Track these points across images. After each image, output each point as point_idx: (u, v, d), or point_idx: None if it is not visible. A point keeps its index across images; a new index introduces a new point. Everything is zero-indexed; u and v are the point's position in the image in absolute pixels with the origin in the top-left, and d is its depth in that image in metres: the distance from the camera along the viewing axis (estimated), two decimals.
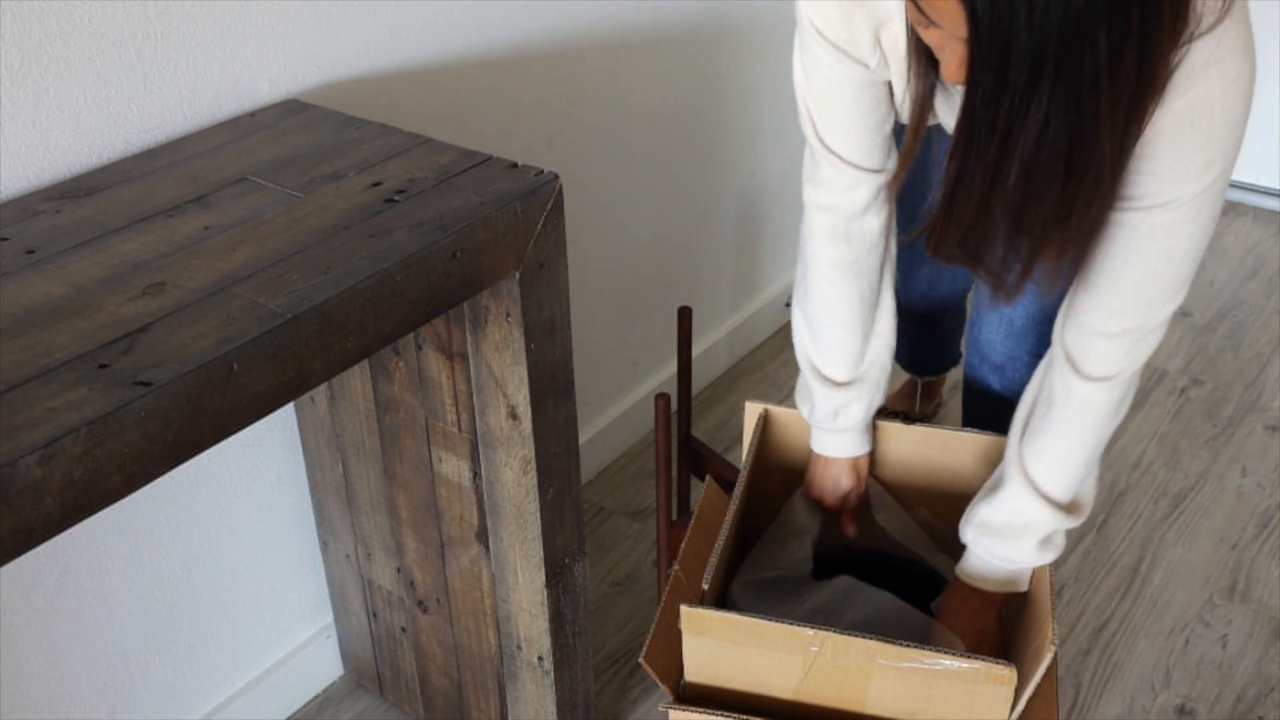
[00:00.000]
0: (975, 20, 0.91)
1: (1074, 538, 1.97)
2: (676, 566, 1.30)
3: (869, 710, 1.20)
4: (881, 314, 1.38)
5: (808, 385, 1.42)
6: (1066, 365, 1.21)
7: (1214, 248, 2.79)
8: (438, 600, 1.52)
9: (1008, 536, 1.28)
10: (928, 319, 1.94)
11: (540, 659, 1.44)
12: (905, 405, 2.23)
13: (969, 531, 1.32)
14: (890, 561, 1.45)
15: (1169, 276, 1.13)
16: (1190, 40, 0.99)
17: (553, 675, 1.44)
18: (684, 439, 1.68)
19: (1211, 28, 0.99)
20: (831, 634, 1.16)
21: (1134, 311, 1.15)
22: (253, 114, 1.34)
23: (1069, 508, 1.27)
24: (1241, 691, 1.71)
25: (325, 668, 1.73)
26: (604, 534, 2.02)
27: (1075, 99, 0.92)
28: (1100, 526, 2.00)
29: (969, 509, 1.33)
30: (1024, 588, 1.32)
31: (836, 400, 1.39)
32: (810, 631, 1.16)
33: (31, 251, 1.06)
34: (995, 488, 1.31)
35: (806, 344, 1.40)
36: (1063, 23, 0.88)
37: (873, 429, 1.45)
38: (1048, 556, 1.28)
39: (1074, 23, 0.88)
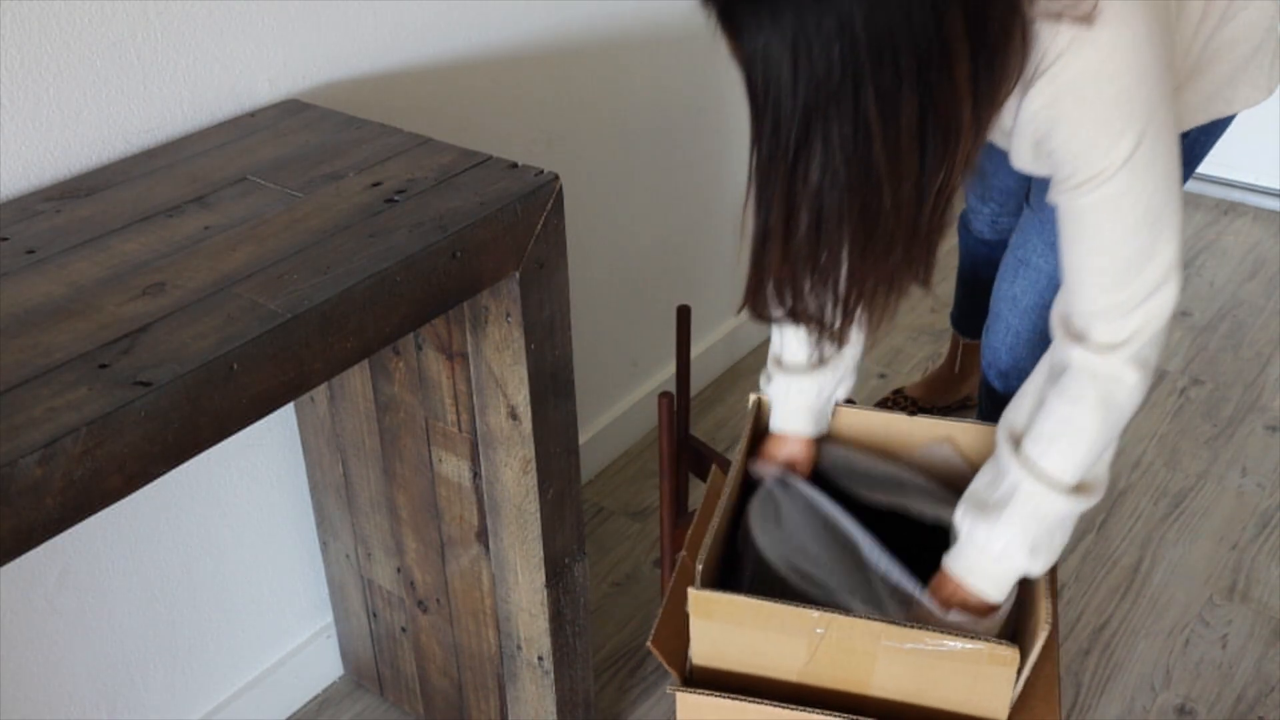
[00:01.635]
0: (749, 81, 0.95)
1: (1074, 538, 1.97)
2: (684, 553, 1.31)
3: (874, 691, 1.21)
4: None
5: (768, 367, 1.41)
6: (1070, 341, 1.16)
7: (1214, 248, 2.79)
8: (438, 600, 1.52)
9: (1000, 517, 1.19)
10: (975, 272, 1.92)
11: (540, 659, 1.44)
12: (923, 392, 2.20)
13: (960, 510, 1.24)
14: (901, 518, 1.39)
15: (1135, 244, 1.10)
16: (1056, 21, 1.00)
17: (553, 675, 1.44)
18: (683, 438, 1.68)
19: (1082, 17, 1.00)
20: (837, 616, 1.16)
21: (1117, 286, 1.12)
22: (253, 114, 1.34)
23: (1078, 489, 1.18)
24: (1241, 691, 1.71)
25: (325, 668, 1.74)
26: (604, 534, 2.02)
27: (851, 149, 0.94)
28: (1100, 526, 2.00)
29: (966, 493, 1.25)
30: (1001, 600, 1.22)
31: (791, 383, 1.38)
32: (816, 614, 1.16)
33: (31, 251, 1.06)
34: (989, 470, 1.24)
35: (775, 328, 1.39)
36: (825, 77, 0.91)
37: (828, 415, 1.41)
38: (1037, 562, 1.19)
39: (837, 76, 0.91)
